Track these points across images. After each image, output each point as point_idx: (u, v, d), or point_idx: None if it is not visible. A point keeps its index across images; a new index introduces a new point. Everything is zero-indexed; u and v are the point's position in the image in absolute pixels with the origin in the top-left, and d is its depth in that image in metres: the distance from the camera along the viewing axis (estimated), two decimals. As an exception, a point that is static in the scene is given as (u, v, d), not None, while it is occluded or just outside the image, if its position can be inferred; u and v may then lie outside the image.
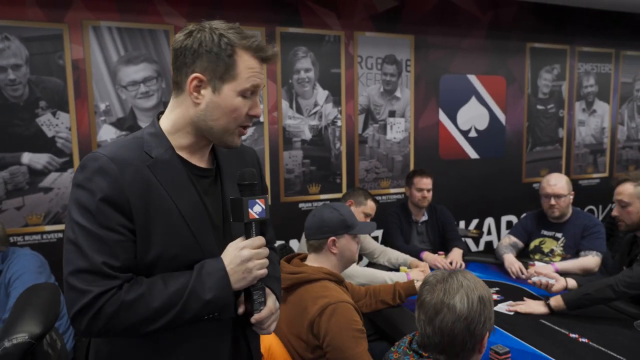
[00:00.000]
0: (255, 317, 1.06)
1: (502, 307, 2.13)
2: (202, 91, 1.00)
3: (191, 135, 1.05)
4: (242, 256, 1.01)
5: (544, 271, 2.47)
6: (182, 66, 1.00)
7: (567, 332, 1.86)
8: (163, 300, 0.94)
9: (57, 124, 2.83)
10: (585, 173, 4.53)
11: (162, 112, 1.09)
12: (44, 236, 2.86)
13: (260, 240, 1.04)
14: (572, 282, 2.19)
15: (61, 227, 2.86)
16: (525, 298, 2.19)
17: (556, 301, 2.03)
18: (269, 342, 1.56)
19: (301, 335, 1.59)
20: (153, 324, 0.94)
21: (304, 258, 1.81)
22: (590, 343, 1.76)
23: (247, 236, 1.04)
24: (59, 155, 2.86)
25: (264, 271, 1.04)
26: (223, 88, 0.99)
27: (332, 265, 1.73)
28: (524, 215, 3.08)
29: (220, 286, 0.98)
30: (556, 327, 1.91)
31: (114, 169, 0.95)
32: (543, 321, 1.97)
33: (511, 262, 2.63)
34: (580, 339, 1.80)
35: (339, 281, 1.71)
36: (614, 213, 2.26)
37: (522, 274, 2.54)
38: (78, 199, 0.94)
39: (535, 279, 2.23)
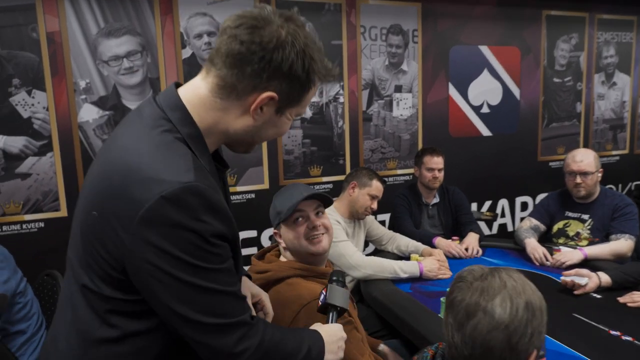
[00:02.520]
0: None
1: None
2: (265, 108, 0.88)
3: (220, 142, 0.94)
4: (341, 335, 1.07)
5: (571, 258, 2.24)
6: (253, 76, 0.84)
7: (607, 329, 1.62)
8: (293, 347, 0.95)
9: (33, 104, 2.59)
10: (604, 150, 4.26)
11: (178, 99, 0.88)
12: (24, 226, 2.63)
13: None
14: (605, 278, 1.95)
15: (42, 216, 2.64)
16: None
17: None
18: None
19: None
20: None
21: (279, 253, 1.61)
22: (636, 342, 1.53)
23: (329, 320, 1.11)
24: (37, 137, 2.62)
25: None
26: (287, 111, 0.91)
27: (295, 258, 1.52)
28: (545, 195, 2.82)
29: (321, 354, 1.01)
30: (594, 323, 1.67)
31: (223, 204, 0.85)
32: (578, 316, 1.73)
33: (534, 247, 2.39)
34: (623, 337, 1.56)
35: (316, 275, 1.48)
36: None
37: (547, 260, 2.30)
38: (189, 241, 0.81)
39: (567, 278, 1.97)
